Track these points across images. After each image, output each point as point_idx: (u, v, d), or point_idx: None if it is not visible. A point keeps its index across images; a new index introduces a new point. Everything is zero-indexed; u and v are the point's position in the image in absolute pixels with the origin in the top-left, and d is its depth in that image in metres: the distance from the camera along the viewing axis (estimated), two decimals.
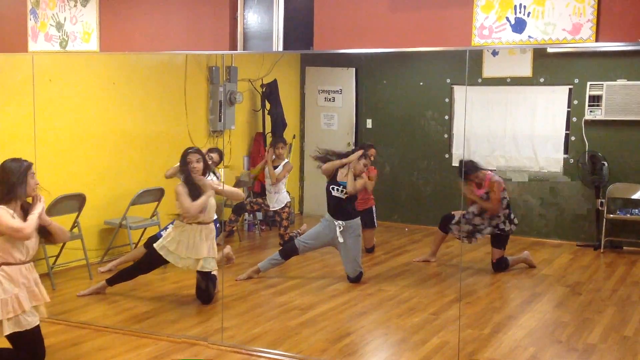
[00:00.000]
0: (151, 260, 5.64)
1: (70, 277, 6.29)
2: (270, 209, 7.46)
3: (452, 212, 6.92)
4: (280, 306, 5.64)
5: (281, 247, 6.65)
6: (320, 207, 6.60)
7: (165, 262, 5.60)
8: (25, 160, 4.16)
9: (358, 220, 6.34)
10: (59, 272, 6.27)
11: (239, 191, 5.67)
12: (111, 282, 5.77)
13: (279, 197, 7.43)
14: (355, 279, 6.28)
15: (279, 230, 7.40)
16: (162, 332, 4.97)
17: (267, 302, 5.76)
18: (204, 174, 5.56)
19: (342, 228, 6.21)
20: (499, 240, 6.74)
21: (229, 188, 5.92)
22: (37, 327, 4.15)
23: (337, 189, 6.25)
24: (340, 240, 6.21)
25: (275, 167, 7.39)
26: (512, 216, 6.76)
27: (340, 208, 6.25)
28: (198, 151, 5.59)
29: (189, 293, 5.78)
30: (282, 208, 7.40)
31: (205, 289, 5.58)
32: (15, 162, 4.11)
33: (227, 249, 6.55)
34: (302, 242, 6.35)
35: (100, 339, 4.85)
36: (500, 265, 6.77)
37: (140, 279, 5.77)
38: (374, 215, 7.32)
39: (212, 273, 5.61)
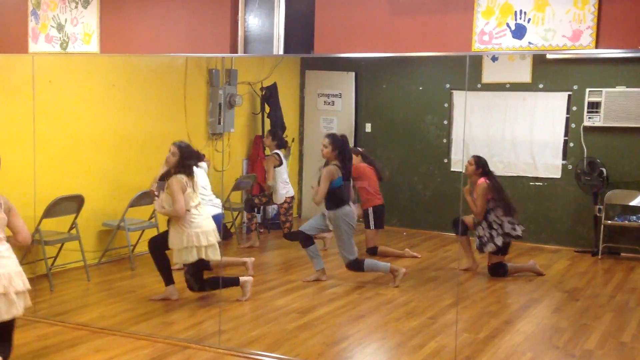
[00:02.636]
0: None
1: (68, 278, 6.29)
2: (276, 203, 7.82)
3: (461, 217, 6.81)
4: (278, 309, 5.64)
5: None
6: (318, 210, 6.61)
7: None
8: None
9: (338, 211, 6.22)
10: (57, 273, 6.26)
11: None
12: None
13: (278, 192, 7.70)
14: (347, 267, 6.32)
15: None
16: (159, 334, 4.97)
17: (264, 305, 5.75)
18: (179, 167, 5.47)
19: (326, 215, 6.37)
20: None
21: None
22: None
23: None
24: (330, 227, 6.38)
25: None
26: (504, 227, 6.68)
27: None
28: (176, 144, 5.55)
29: (187, 295, 5.78)
30: (282, 203, 7.69)
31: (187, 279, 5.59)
32: None
33: (247, 259, 6.51)
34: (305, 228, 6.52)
35: (97, 340, 4.84)
36: (497, 271, 6.76)
37: (137, 281, 5.76)
38: (370, 217, 7.29)
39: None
